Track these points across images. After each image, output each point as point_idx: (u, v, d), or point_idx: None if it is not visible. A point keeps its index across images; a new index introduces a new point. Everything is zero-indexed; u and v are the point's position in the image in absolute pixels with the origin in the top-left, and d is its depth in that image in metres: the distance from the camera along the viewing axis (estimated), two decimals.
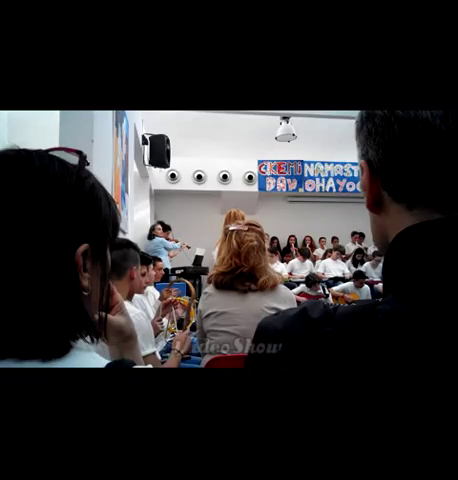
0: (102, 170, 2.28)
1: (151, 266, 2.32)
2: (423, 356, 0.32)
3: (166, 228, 5.92)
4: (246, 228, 1.56)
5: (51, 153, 0.44)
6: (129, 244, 1.57)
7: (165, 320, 2.07)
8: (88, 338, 0.43)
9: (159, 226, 5.72)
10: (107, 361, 0.42)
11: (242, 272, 1.48)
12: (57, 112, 1.93)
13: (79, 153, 0.45)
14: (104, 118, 2.38)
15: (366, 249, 6.87)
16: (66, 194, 0.41)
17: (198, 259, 6.11)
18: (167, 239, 5.74)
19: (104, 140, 2.35)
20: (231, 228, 1.58)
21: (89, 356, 0.42)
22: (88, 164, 0.45)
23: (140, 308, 1.96)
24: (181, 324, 2.06)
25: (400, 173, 0.38)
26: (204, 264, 5.99)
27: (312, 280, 5.24)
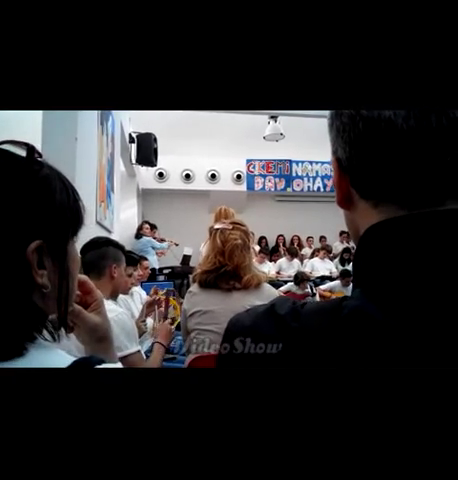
0: (86, 168, 2.25)
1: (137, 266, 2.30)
2: (387, 352, 0.32)
3: (152, 227, 5.90)
4: (230, 227, 1.56)
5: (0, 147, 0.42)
6: (108, 242, 1.54)
7: (150, 319, 2.05)
8: (48, 336, 0.42)
9: (147, 225, 5.69)
10: (73, 358, 0.41)
11: (226, 270, 1.48)
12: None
13: (26, 145, 0.43)
14: (89, 116, 2.35)
15: (353, 248, 6.93)
16: (11, 189, 0.39)
17: (186, 258, 6.09)
18: (154, 238, 5.71)
19: (88, 138, 2.33)
20: (216, 227, 1.58)
21: (54, 353, 0.41)
22: (40, 156, 0.44)
23: (124, 308, 1.94)
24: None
25: (366, 171, 0.38)
26: (192, 263, 5.97)
27: (300, 278, 5.26)
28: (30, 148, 0.43)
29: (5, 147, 0.43)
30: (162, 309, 1.93)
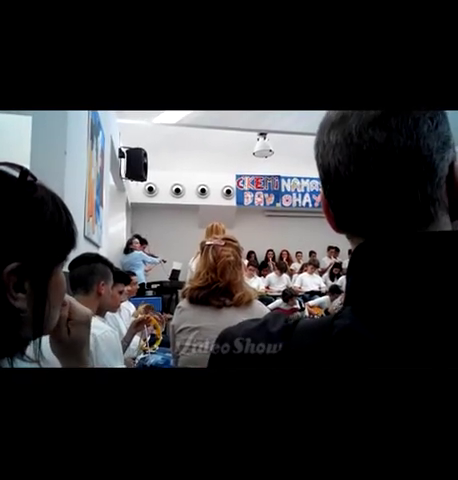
0: (75, 182, 2.23)
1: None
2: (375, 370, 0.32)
3: (143, 242, 5.85)
4: (223, 243, 1.54)
5: None
6: (97, 259, 1.53)
7: (136, 338, 2.01)
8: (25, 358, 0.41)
9: (136, 240, 5.64)
10: None
11: (218, 287, 1.46)
12: (30, 122, 1.88)
13: (20, 168, 0.42)
14: (78, 130, 2.34)
15: (341, 263, 6.99)
16: None
17: (175, 273, 6.04)
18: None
19: (78, 152, 2.31)
20: (207, 243, 1.57)
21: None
22: (35, 179, 0.43)
23: (113, 325, 1.91)
24: (153, 341, 2.01)
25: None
26: (181, 278, 5.92)
27: (289, 294, 5.26)
28: (23, 171, 0.42)
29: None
30: (151, 328, 1.90)
